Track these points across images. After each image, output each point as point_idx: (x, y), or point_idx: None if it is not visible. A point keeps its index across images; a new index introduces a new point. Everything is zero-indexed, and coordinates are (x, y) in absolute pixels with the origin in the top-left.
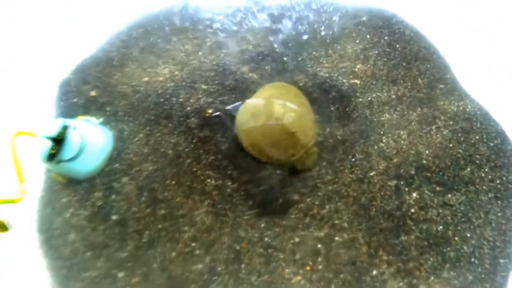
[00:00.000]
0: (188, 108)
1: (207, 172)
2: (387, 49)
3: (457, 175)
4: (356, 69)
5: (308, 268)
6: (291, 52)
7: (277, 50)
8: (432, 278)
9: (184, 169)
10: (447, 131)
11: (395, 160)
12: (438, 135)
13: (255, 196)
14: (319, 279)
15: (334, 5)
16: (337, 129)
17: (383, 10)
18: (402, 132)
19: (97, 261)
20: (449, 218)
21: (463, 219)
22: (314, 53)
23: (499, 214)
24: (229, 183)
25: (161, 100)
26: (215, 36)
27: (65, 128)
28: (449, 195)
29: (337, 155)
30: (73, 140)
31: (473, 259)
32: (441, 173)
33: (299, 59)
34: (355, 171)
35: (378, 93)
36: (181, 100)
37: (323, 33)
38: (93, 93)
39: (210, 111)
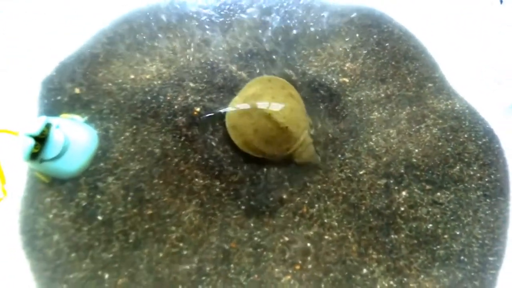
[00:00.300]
0: (176, 106)
1: (195, 171)
2: (376, 48)
3: (446, 174)
4: (345, 68)
5: (297, 267)
6: (280, 50)
7: (266, 48)
8: (422, 276)
9: (171, 168)
10: (436, 129)
11: (384, 159)
12: (427, 134)
13: (244, 195)
14: (308, 278)
15: (322, 3)
16: (326, 128)
17: (371, 9)
18: (391, 131)
19: (82, 263)
20: (438, 216)
21: (452, 217)
22: (303, 51)
23: (487, 212)
24: (218, 183)
25: (148, 98)
26: (203, 33)
27: (48, 126)
28: (439, 194)
29: (326, 153)
30: (56, 139)
31: (462, 257)
32: (430, 172)
33: (288, 57)
34: (345, 170)
35: (367, 92)
36: (168, 98)
37: (312, 29)
38: (77, 90)
39: (198, 109)
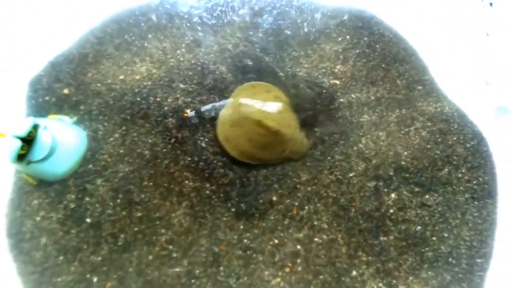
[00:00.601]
0: (166, 107)
1: (185, 174)
2: (367, 50)
3: (435, 176)
4: (336, 70)
5: (287, 270)
6: (271, 52)
7: (256, 49)
8: (411, 278)
9: (161, 170)
10: (425, 132)
11: (374, 161)
12: (417, 136)
13: (234, 197)
14: (298, 280)
15: (314, 4)
16: (316, 130)
17: (363, 11)
18: (381, 133)
19: (70, 266)
20: (427, 218)
21: (440, 220)
22: (293, 53)
23: (475, 215)
24: (208, 185)
25: (138, 99)
26: (194, 34)
27: (35, 127)
28: (427, 196)
29: (316, 156)
30: (43, 140)
31: (450, 259)
32: (419, 174)
33: (279, 59)
34: (335, 172)
35: (357, 94)
36: (158, 99)
37: (303, 30)
38: (65, 91)
39: (188, 111)
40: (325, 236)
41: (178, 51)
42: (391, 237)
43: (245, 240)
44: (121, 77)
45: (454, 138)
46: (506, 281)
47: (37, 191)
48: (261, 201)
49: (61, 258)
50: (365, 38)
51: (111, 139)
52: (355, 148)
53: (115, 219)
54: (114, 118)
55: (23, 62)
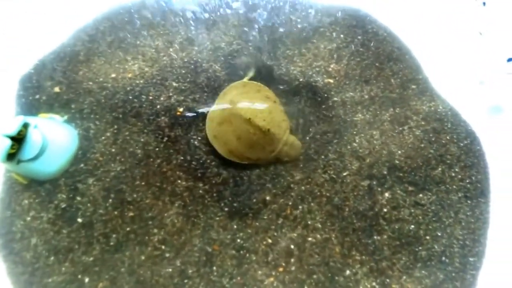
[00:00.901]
0: (158, 106)
1: (177, 173)
2: (361, 49)
3: (429, 175)
4: (330, 69)
5: (281, 269)
6: (265, 50)
7: (250, 48)
8: (404, 277)
9: (153, 169)
10: (419, 131)
11: (368, 160)
12: (410, 135)
13: (227, 197)
14: (292, 280)
15: (308, 1)
16: (310, 129)
17: (357, 9)
18: (375, 132)
19: (61, 266)
20: (420, 217)
21: (434, 219)
22: (287, 51)
23: (468, 214)
24: (201, 184)
25: (130, 97)
26: (187, 32)
27: (25, 126)
28: (421, 195)
29: (310, 155)
30: (34, 139)
31: (444, 258)
32: (413, 173)
33: (272, 57)
34: (328, 171)
35: (351, 93)
36: (151, 97)
37: (297, 28)
38: (56, 89)
39: (181, 109)
40: (318, 236)
41: (171, 49)
42: (385, 236)
43: (239, 240)
44: (113, 75)
45: (448, 137)
46: (499, 280)
47: (28, 191)
48: (254, 200)
49: (52, 258)
50: (359, 37)
51: (103, 138)
52: (349, 147)
53: (107, 219)
54: (105, 116)
55: (13, 60)
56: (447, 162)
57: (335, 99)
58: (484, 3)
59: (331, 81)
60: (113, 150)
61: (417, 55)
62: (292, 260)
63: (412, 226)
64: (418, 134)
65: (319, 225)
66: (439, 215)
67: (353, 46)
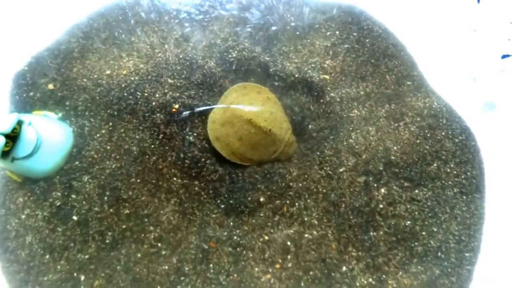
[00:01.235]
0: (154, 103)
1: (173, 170)
2: (356, 46)
3: (424, 171)
4: (326, 65)
5: (277, 266)
6: (260, 47)
7: (245, 44)
8: (400, 273)
9: (149, 166)
10: (414, 127)
11: (364, 156)
12: (406, 131)
13: (224, 194)
14: (288, 277)
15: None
16: (307, 125)
17: (352, 6)
18: (370, 128)
19: (57, 264)
20: (416, 213)
21: (430, 214)
22: (283, 48)
23: (464, 209)
24: (196, 181)
25: (125, 94)
26: (182, 29)
27: (19, 123)
28: (417, 191)
29: (306, 151)
30: (28, 136)
31: (439, 254)
32: (408, 169)
33: (268, 54)
34: (325, 167)
35: (347, 89)
36: (146, 94)
37: (292, 25)
38: (50, 86)
39: (176, 106)
40: (315, 232)
41: (166, 46)
42: (381, 232)
43: (235, 237)
44: (108, 72)
45: (443, 133)
46: (494, 274)
47: (22, 189)
48: (249, 198)
49: (47, 256)
50: (354, 34)
51: (98, 135)
52: (345, 143)
53: (103, 217)
54: (100, 113)
55: (6, 57)
56: (442, 158)
57: (332, 95)
58: (478, 1)
59: (327, 77)
60: (108, 147)
61: (412, 52)
62: (289, 256)
63: (408, 222)
64: (414, 130)
65: (316, 222)
66: (435, 211)
67: (349, 43)
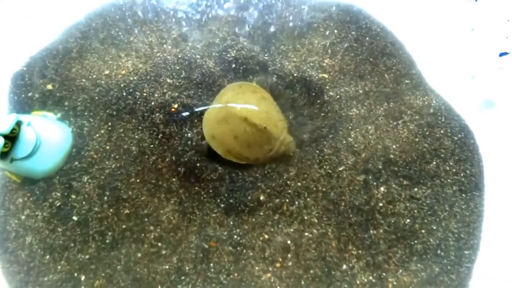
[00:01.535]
0: (153, 102)
1: (173, 170)
2: (355, 44)
3: (423, 169)
4: (324, 64)
5: (278, 265)
6: (258, 46)
7: (244, 43)
8: (400, 271)
9: (148, 166)
10: (413, 125)
11: (363, 155)
12: (405, 130)
13: (223, 193)
14: (289, 275)
15: None
16: (306, 124)
17: (350, 4)
18: (369, 127)
19: (57, 265)
20: (416, 211)
21: (429, 212)
22: (282, 47)
23: (463, 207)
24: (196, 181)
25: (124, 94)
26: (180, 28)
27: (18, 124)
28: (416, 189)
29: (306, 150)
30: (27, 137)
31: (439, 251)
32: (407, 167)
33: (267, 53)
34: (324, 166)
35: (346, 88)
36: (145, 94)
37: (291, 24)
38: (49, 86)
39: (175, 106)
40: (315, 231)
41: (165, 46)
42: (381, 231)
43: (235, 236)
44: (107, 72)
45: (442, 131)
46: (493, 272)
47: (22, 189)
48: (249, 197)
49: (48, 257)
50: (353, 32)
51: (97, 135)
52: (344, 142)
53: (102, 217)
54: (99, 114)
55: (5, 57)
56: (441, 156)
57: (330, 93)
58: None
59: (326, 76)
60: (108, 147)
61: (410, 50)
62: (289, 255)
63: (408, 220)
64: (412, 128)
65: (316, 220)
66: (434, 209)
67: (347, 42)
